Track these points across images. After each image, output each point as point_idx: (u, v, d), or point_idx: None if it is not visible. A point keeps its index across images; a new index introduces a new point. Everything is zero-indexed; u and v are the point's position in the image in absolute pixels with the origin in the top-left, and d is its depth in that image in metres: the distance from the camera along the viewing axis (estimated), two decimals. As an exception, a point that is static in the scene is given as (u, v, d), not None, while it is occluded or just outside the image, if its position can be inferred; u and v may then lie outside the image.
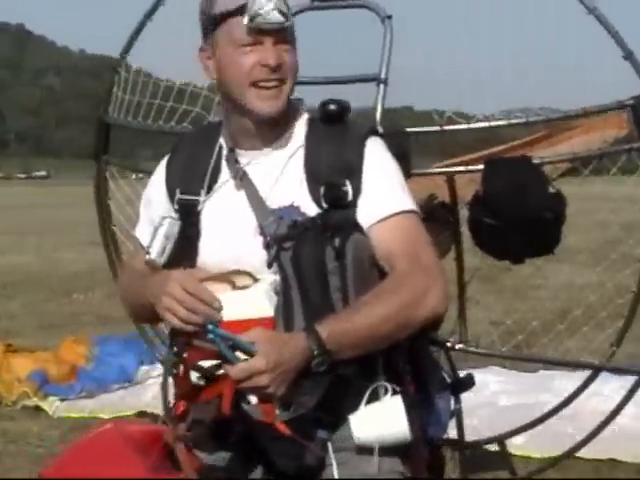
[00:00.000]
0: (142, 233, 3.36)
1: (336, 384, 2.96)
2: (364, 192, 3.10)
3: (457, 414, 3.63)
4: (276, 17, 3.06)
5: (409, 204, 3.15)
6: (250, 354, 2.81)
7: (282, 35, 3.11)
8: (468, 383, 3.54)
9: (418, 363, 3.24)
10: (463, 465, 4.50)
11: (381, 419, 3.00)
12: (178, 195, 3.24)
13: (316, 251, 2.99)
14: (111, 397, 9.47)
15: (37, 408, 9.27)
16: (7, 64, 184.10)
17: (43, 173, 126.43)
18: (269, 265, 3.05)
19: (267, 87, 3.11)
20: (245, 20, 3.06)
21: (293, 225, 3.04)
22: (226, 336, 2.84)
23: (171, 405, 3.09)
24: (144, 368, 9.94)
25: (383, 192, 3.12)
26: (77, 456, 2.98)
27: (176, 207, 3.24)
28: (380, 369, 3.11)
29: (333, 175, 3.11)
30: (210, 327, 2.87)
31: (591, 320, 5.51)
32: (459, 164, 4.84)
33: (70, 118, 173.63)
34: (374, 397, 3.05)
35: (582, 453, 6.34)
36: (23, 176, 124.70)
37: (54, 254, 24.12)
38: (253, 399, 2.89)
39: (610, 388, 6.87)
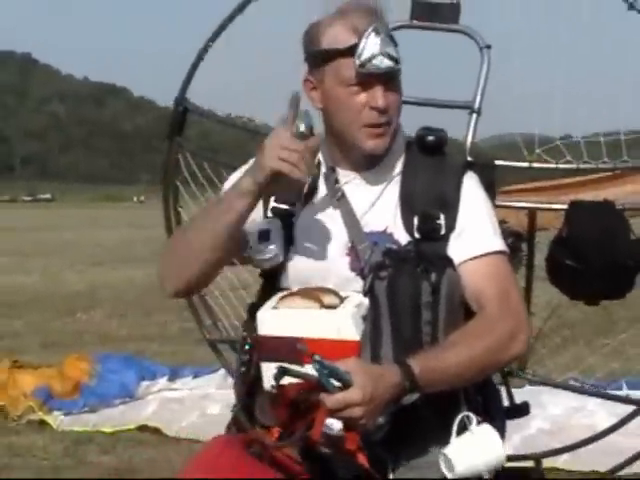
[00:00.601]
0: None
1: (419, 418, 2.95)
2: (458, 228, 3.08)
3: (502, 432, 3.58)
4: (386, 64, 3.03)
5: (500, 245, 3.13)
6: (347, 384, 2.72)
7: (391, 79, 3.10)
8: (525, 409, 3.55)
9: (486, 393, 3.23)
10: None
11: (478, 448, 2.93)
12: (272, 202, 3.18)
13: (413, 284, 2.93)
14: (113, 412, 9.46)
15: (42, 422, 9.26)
16: (13, 91, 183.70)
17: (48, 196, 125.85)
18: (365, 293, 3.01)
19: (376, 128, 3.10)
20: (356, 63, 3.03)
21: (388, 253, 3.01)
22: (327, 365, 2.72)
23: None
24: (144, 384, 9.97)
25: (477, 230, 3.10)
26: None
27: (269, 214, 3.19)
28: (462, 400, 3.07)
29: (428, 206, 3.08)
30: (316, 357, 2.73)
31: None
32: (533, 190, 4.74)
33: (73, 143, 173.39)
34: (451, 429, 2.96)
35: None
36: (29, 199, 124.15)
37: (57, 275, 24.08)
38: (337, 425, 2.81)
39: (594, 402, 6.89)
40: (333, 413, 2.74)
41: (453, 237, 3.08)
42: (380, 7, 3.14)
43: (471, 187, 3.16)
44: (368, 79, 3.06)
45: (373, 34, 3.02)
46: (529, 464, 5.60)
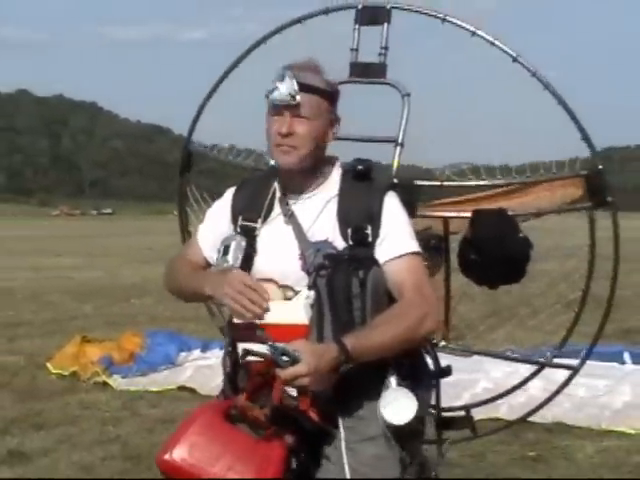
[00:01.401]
0: (203, 236, 3.35)
1: (351, 377, 2.97)
2: (381, 235, 3.09)
3: (437, 390, 3.60)
4: (283, 97, 3.04)
5: (415, 247, 3.14)
6: (296, 361, 2.80)
7: (296, 110, 3.07)
8: (447, 372, 3.55)
9: (415, 361, 3.22)
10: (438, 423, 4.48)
11: (397, 403, 3.01)
12: (240, 221, 3.22)
13: (346, 280, 2.99)
14: (158, 376, 9.48)
15: (105, 383, 9.27)
16: (84, 131, 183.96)
17: (109, 211, 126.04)
18: (310, 287, 3.05)
19: (282, 147, 3.10)
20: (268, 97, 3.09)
21: (327, 257, 3.04)
22: (278, 347, 2.82)
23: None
24: (183, 354, 9.98)
25: (396, 237, 3.10)
26: (194, 434, 2.83)
27: (238, 230, 3.22)
28: (392, 366, 3.09)
29: (359, 220, 3.10)
30: (269, 342, 2.87)
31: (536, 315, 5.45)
32: (451, 204, 4.77)
33: (129, 171, 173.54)
34: (382, 385, 3.06)
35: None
36: (95, 213, 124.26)
37: (117, 271, 24.09)
38: (294, 392, 2.91)
39: (525, 367, 6.84)
40: (287, 383, 2.83)
41: (378, 243, 3.10)
42: (313, 63, 3.16)
43: (391, 203, 3.17)
44: (280, 110, 3.09)
45: (280, 77, 3.06)
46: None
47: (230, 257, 3.14)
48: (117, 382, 9.30)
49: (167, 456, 2.80)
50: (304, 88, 3.07)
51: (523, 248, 4.41)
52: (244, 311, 2.98)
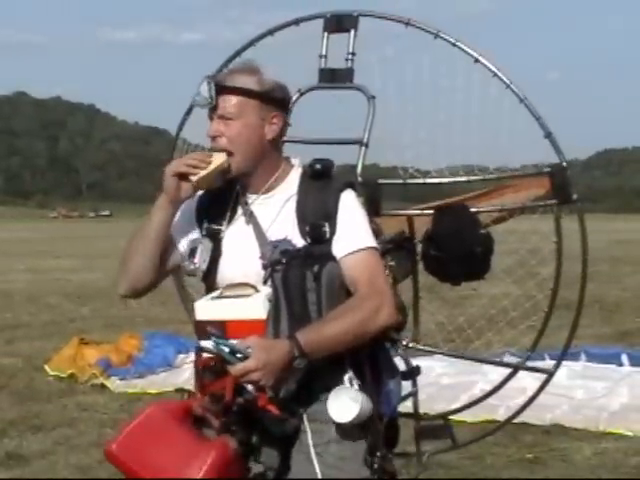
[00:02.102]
0: (176, 227, 3.28)
1: (312, 375, 2.99)
2: (337, 232, 3.11)
3: (414, 395, 3.61)
4: (201, 100, 3.11)
5: (371, 242, 3.16)
6: (246, 356, 2.83)
7: (220, 112, 3.11)
8: (415, 372, 3.60)
9: (376, 358, 3.23)
10: (417, 433, 4.45)
11: (343, 402, 3.04)
12: (205, 224, 3.24)
13: (300, 274, 3.02)
14: (157, 378, 9.48)
15: (102, 385, 9.29)
16: (82, 133, 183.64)
17: (107, 212, 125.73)
18: (265, 281, 3.08)
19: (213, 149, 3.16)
20: None
21: (284, 253, 3.07)
22: (227, 344, 2.87)
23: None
24: (181, 356, 9.96)
25: (351, 233, 3.12)
26: (137, 430, 2.89)
27: (203, 232, 3.23)
28: (347, 364, 3.11)
29: (316, 218, 3.12)
30: (214, 339, 2.90)
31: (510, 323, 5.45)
32: (423, 209, 4.79)
33: (127, 173, 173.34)
34: (341, 384, 3.08)
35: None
36: (93, 215, 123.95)
37: (115, 272, 23.99)
38: (251, 388, 2.91)
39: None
40: (239, 379, 2.84)
41: (335, 239, 3.11)
42: (250, 66, 3.21)
43: (347, 200, 3.18)
44: (210, 115, 3.15)
45: (200, 82, 3.12)
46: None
47: (197, 259, 3.19)
48: (115, 384, 9.31)
49: (108, 447, 2.88)
50: (224, 90, 3.11)
51: (483, 243, 4.39)
52: (189, 169, 3.09)
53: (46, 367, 9.94)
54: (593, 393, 8.20)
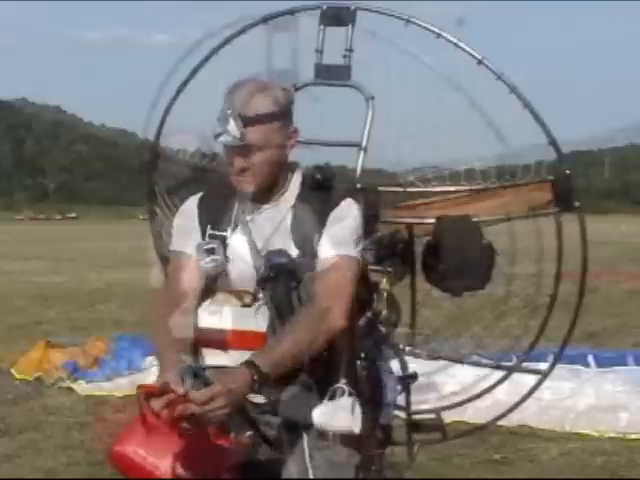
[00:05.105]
0: (183, 245, 3.24)
1: (309, 382, 3.02)
2: (323, 238, 3.10)
3: (407, 393, 3.60)
4: (230, 140, 3.03)
5: (347, 251, 3.11)
6: (207, 383, 2.70)
7: (244, 148, 3.05)
8: (414, 376, 3.64)
9: (373, 368, 3.24)
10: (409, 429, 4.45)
11: (336, 415, 3.00)
12: (209, 230, 3.20)
13: (286, 295, 3.03)
14: (124, 380, 9.42)
15: (69, 389, 9.23)
16: (48, 135, 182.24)
17: (74, 215, 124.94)
18: (255, 298, 3.11)
19: (239, 176, 3.11)
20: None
21: (271, 267, 3.05)
22: (191, 367, 2.78)
23: None
24: (148, 359, 9.89)
25: (332, 239, 3.10)
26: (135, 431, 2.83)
27: (207, 238, 3.19)
28: (341, 375, 3.08)
29: (311, 229, 3.11)
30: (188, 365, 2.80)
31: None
32: (417, 206, 4.72)
33: (94, 175, 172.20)
34: (335, 391, 3.05)
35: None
36: (59, 217, 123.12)
37: (82, 275, 23.92)
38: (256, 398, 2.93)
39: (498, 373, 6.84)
40: (202, 404, 2.68)
41: (320, 245, 3.10)
42: (258, 83, 3.09)
43: (340, 210, 3.15)
44: (227, 147, 3.09)
45: (224, 120, 3.02)
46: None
47: (219, 257, 3.14)
48: (82, 387, 9.25)
49: (119, 447, 2.83)
50: (251, 122, 3.03)
51: (486, 255, 4.38)
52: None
53: (12, 370, 9.86)
54: (560, 394, 8.25)
